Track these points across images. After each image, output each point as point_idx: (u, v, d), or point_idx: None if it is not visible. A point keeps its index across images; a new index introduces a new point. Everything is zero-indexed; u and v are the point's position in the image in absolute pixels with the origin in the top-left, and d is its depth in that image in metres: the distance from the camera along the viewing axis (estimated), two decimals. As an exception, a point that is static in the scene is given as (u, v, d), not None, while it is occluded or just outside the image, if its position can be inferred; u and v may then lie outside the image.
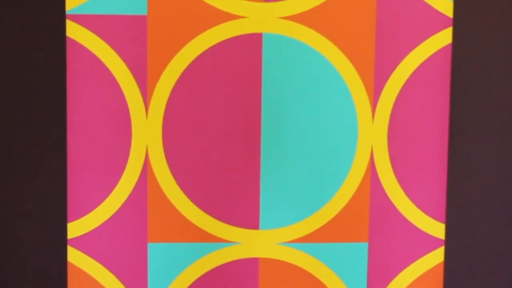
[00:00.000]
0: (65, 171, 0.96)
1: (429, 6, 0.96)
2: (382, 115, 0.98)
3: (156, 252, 0.98)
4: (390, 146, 0.98)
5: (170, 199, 0.98)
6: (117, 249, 0.98)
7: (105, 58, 0.95)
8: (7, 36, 0.93)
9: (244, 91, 0.96)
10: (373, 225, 0.99)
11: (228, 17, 0.95)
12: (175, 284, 0.99)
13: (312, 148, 0.98)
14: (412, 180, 0.99)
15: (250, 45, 0.96)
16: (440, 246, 1.00)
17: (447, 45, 0.97)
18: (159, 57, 0.95)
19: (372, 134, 0.98)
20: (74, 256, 0.98)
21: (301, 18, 0.96)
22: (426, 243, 1.00)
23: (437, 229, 1.00)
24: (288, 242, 0.99)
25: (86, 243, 0.98)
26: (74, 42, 0.95)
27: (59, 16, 0.93)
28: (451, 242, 1.00)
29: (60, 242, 0.97)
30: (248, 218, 0.98)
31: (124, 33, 0.95)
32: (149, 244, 0.98)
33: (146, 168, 0.97)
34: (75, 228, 0.98)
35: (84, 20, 0.94)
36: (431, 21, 0.96)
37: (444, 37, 0.97)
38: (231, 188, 0.98)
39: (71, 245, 0.98)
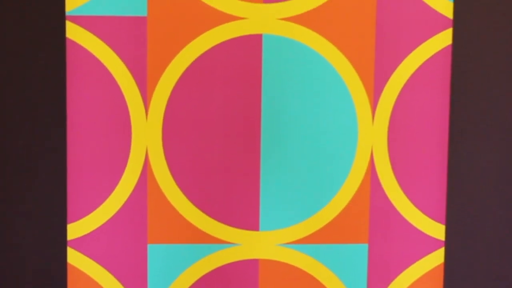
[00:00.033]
0: (65, 172, 0.96)
1: (429, 7, 0.96)
2: (382, 116, 0.98)
3: (156, 253, 0.98)
4: (390, 147, 0.98)
5: (170, 200, 0.98)
6: (117, 251, 0.98)
7: (105, 59, 0.95)
8: (7, 37, 0.93)
9: (244, 92, 0.96)
10: (373, 226, 0.99)
11: (228, 18, 0.95)
12: (175, 285, 0.99)
13: (312, 150, 0.98)
14: (412, 181, 0.99)
15: (250, 46, 0.96)
16: (440, 247, 1.00)
17: (447, 46, 0.97)
18: (159, 58, 0.95)
19: (372, 135, 0.98)
20: (74, 258, 0.98)
21: (301, 19, 0.96)
22: (426, 245, 1.00)
23: (437, 230, 1.00)
24: (288, 243, 0.99)
25: (86, 245, 0.98)
26: (74, 43, 0.95)
27: (59, 17, 0.93)
28: (451, 244, 1.00)
29: (60, 243, 0.97)
30: (248, 219, 0.98)
31: (124, 34, 0.95)
32: (149, 245, 0.98)
33: (146, 169, 0.97)
34: (75, 230, 0.98)
35: (84, 21, 0.94)
36: (431, 22, 0.96)
37: (444, 38, 0.97)
38: (231, 189, 0.98)
39: (71, 247, 0.98)
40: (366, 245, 1.00)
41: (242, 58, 0.96)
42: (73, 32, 0.94)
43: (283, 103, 0.97)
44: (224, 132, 0.97)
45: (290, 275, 1.00)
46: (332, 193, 0.98)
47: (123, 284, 0.98)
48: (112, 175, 0.97)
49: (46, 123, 0.95)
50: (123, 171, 0.97)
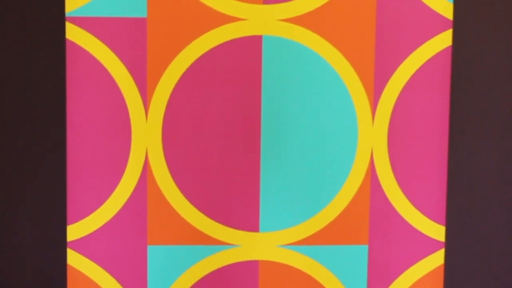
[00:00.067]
0: (65, 173, 0.96)
1: (429, 8, 0.96)
2: (382, 117, 0.98)
3: (156, 255, 0.98)
4: (390, 149, 0.98)
5: (170, 202, 0.98)
6: (116, 252, 0.98)
7: (104, 60, 0.95)
8: (7, 38, 0.93)
9: (244, 93, 0.96)
10: (373, 228, 0.99)
11: (228, 19, 0.95)
12: (175, 287, 0.99)
13: (312, 151, 0.97)
14: (412, 182, 0.99)
15: (250, 47, 0.96)
16: (440, 248, 1.00)
17: (447, 47, 0.97)
18: (158, 60, 0.95)
19: (372, 136, 0.98)
20: (73, 259, 0.98)
21: (301, 20, 0.96)
22: (426, 246, 1.00)
23: (437, 232, 1.00)
24: (288, 244, 0.99)
25: (85, 246, 0.98)
26: (73, 44, 0.95)
27: (58, 18, 0.93)
28: (451, 245, 1.00)
29: (59, 244, 0.97)
30: (248, 221, 0.98)
31: (124, 35, 0.95)
32: (148, 247, 0.98)
33: (146, 170, 0.97)
34: (74, 231, 0.97)
35: (83, 22, 0.94)
36: (431, 23, 0.96)
37: (444, 39, 0.97)
38: (231, 191, 0.98)
39: (70, 248, 0.98)
40: (366, 246, 1.00)
41: (242, 59, 0.96)
42: (73, 33, 0.94)
43: (283, 104, 0.97)
44: (224, 133, 0.97)
45: (290, 276, 1.00)
46: (332, 194, 0.98)
47: (123, 285, 0.98)
48: (112, 176, 0.97)
49: (46, 125, 0.95)
50: (123, 172, 0.97)
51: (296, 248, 0.99)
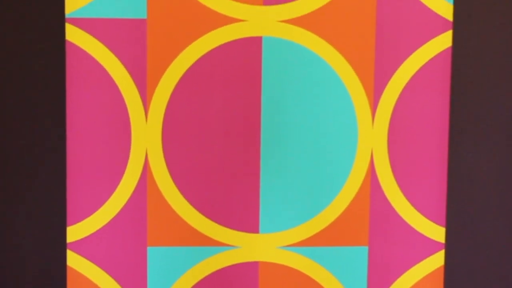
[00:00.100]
0: (65, 174, 0.95)
1: (429, 9, 0.96)
2: (382, 118, 0.98)
3: (156, 256, 0.98)
4: (390, 150, 0.98)
5: (169, 203, 0.98)
6: (116, 253, 0.98)
7: (104, 61, 0.95)
8: (7, 39, 0.93)
9: (244, 94, 0.96)
10: (373, 229, 0.99)
11: (227, 20, 0.95)
12: (174, 288, 0.99)
13: (312, 152, 0.97)
14: (412, 183, 0.99)
15: (250, 48, 0.96)
16: (440, 249, 1.00)
17: (447, 48, 0.97)
18: (158, 61, 0.95)
19: (372, 137, 0.98)
20: (73, 260, 0.98)
21: (301, 22, 0.96)
22: (426, 247, 1.00)
23: (437, 233, 1.00)
24: (288, 246, 0.99)
25: (85, 247, 0.98)
26: (73, 45, 0.95)
27: (58, 19, 0.93)
28: (451, 246, 1.00)
29: (59, 246, 0.97)
30: (248, 222, 0.98)
31: (124, 36, 0.95)
32: (148, 248, 0.98)
33: (146, 171, 0.97)
34: (74, 232, 0.97)
35: (83, 24, 0.94)
36: (431, 24, 0.96)
37: (444, 40, 0.97)
38: (231, 192, 0.98)
39: (70, 249, 0.98)
40: (366, 248, 1.00)
41: (242, 61, 0.96)
42: (73, 34, 0.94)
43: (283, 106, 0.97)
44: (224, 135, 0.97)
45: (290, 277, 1.00)
46: (332, 195, 0.98)
47: (123, 286, 0.98)
48: (111, 178, 0.97)
49: (46, 126, 0.94)
50: (122, 173, 0.97)
51: (296, 249, 0.99)
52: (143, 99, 0.96)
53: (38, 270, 0.97)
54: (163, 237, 0.98)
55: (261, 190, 0.98)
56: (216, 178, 0.97)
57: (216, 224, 0.98)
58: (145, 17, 0.95)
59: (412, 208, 0.99)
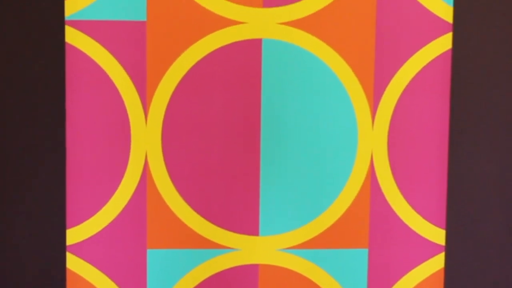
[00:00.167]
0: (64, 177, 0.95)
1: (429, 11, 0.96)
2: (382, 121, 0.98)
3: (155, 259, 0.98)
4: (390, 152, 0.98)
5: (169, 205, 0.97)
6: (116, 256, 0.98)
7: (104, 64, 0.95)
8: (7, 41, 0.93)
9: (243, 96, 0.96)
10: (373, 231, 0.99)
11: (227, 22, 0.95)
12: (174, 291, 0.99)
13: (312, 154, 0.97)
14: (412, 186, 0.99)
15: (249, 50, 0.96)
16: (440, 252, 1.00)
17: (447, 51, 0.97)
18: (158, 63, 0.95)
19: (372, 140, 0.98)
20: (73, 263, 0.98)
21: (301, 24, 0.96)
22: (426, 249, 1.00)
23: (437, 235, 1.00)
24: (288, 248, 0.99)
25: (85, 250, 0.97)
26: (73, 48, 0.95)
27: (58, 21, 0.93)
28: (451, 248, 1.00)
29: (59, 248, 0.97)
30: (247, 224, 0.98)
31: (124, 39, 0.95)
32: (148, 251, 0.98)
33: (146, 174, 0.97)
34: (74, 235, 0.97)
35: (83, 26, 0.94)
36: (431, 27, 0.96)
37: (444, 43, 0.97)
38: (230, 194, 0.98)
39: (70, 252, 0.98)
40: (366, 250, 0.99)
41: (242, 63, 0.96)
42: (73, 37, 0.94)
43: (283, 108, 0.97)
44: (224, 137, 0.97)
45: (290, 280, 0.99)
46: (332, 198, 0.98)
47: (122, 289, 0.98)
48: (111, 180, 0.96)
49: (45, 128, 0.94)
50: (122, 176, 0.96)
51: (296, 252, 0.99)
52: (142, 101, 0.96)
53: (38, 273, 0.97)
54: (163, 240, 0.98)
55: (261, 192, 0.98)
56: (216, 181, 0.97)
57: (216, 227, 0.98)
58: (144, 19, 0.95)
59: (412, 210, 0.99)
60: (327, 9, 0.96)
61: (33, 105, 0.94)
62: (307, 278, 1.00)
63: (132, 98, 0.96)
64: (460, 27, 0.96)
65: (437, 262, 1.00)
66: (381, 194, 0.99)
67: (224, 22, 0.95)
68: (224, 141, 0.97)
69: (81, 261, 0.98)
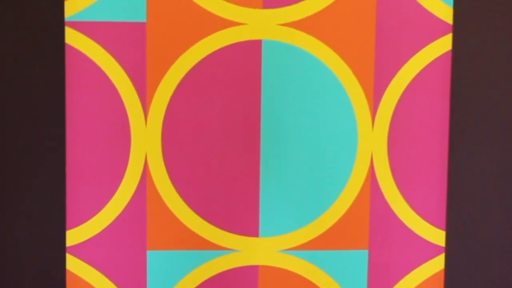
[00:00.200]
0: (64, 178, 0.95)
1: (429, 12, 0.96)
2: (382, 122, 0.98)
3: (155, 260, 0.98)
4: (390, 153, 0.98)
5: (169, 207, 0.97)
6: (116, 257, 0.98)
7: (104, 65, 0.95)
8: (6, 42, 0.93)
9: (243, 98, 0.96)
10: (373, 232, 0.99)
11: (227, 23, 0.95)
12: (174, 292, 0.99)
13: (312, 155, 0.97)
14: (412, 187, 0.99)
15: (249, 52, 0.96)
16: (440, 253, 1.00)
17: (447, 52, 0.97)
18: (158, 64, 0.95)
19: (372, 141, 0.98)
20: (73, 264, 0.98)
21: (301, 25, 0.96)
22: (426, 250, 1.00)
23: (437, 236, 1.00)
24: (288, 249, 0.99)
25: (85, 251, 0.97)
26: (73, 49, 0.95)
27: (58, 22, 0.93)
28: (451, 249, 1.00)
29: (58, 249, 0.96)
30: (247, 226, 0.98)
31: (123, 40, 0.95)
32: (148, 252, 0.98)
33: (145, 175, 0.97)
34: (73, 236, 0.97)
35: (83, 27, 0.94)
36: (431, 28, 0.96)
37: (444, 44, 0.97)
38: (230, 196, 0.98)
39: (69, 253, 0.98)
40: (366, 251, 0.99)
41: (242, 64, 0.96)
42: (72, 38, 0.94)
43: (283, 109, 0.97)
44: (224, 138, 0.97)
45: (290, 281, 0.99)
46: (332, 199, 0.98)
47: (122, 290, 0.98)
48: (111, 181, 0.96)
49: (45, 130, 0.94)
50: (122, 177, 0.96)
51: (296, 253, 0.99)
52: (142, 102, 0.96)
53: (38, 274, 0.97)
54: (163, 241, 0.98)
55: (261, 193, 0.98)
56: (215, 182, 0.97)
57: (216, 228, 0.98)
58: (144, 20, 0.95)
59: (412, 211, 0.99)
60: (327, 10, 0.96)
61: (33, 106, 0.94)
62: (307, 280, 1.00)
63: (132, 99, 0.96)
64: (460, 28, 0.96)
65: (437, 263, 1.00)
66: (381, 195, 0.99)
67: (224, 23, 0.95)
68: (224, 142, 0.97)
69: (81, 262, 0.98)
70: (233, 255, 0.99)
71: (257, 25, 0.95)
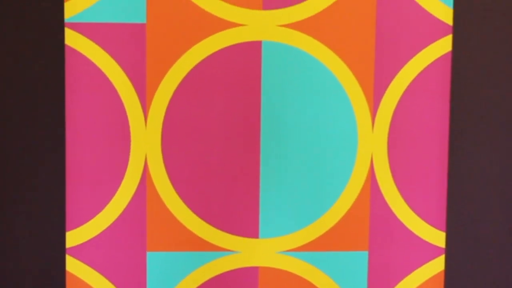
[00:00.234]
0: (64, 180, 0.95)
1: (429, 13, 0.96)
2: (382, 123, 0.98)
3: (155, 261, 0.98)
4: (390, 154, 0.98)
5: (169, 208, 0.97)
6: (116, 258, 0.98)
7: (104, 66, 0.95)
8: (6, 43, 0.93)
9: (243, 99, 0.96)
10: (373, 234, 0.99)
11: (227, 25, 0.95)
12: (174, 293, 0.99)
13: (312, 156, 0.97)
14: (412, 188, 0.99)
15: (249, 53, 0.96)
16: (440, 254, 1.00)
17: (447, 53, 0.97)
18: (158, 65, 0.95)
19: (372, 142, 0.98)
20: (72, 266, 0.98)
21: (301, 26, 0.96)
22: (426, 252, 1.00)
23: (437, 238, 1.00)
24: (288, 250, 0.99)
25: (84, 252, 0.97)
26: (73, 50, 0.95)
27: (58, 24, 0.93)
28: (451, 251, 1.00)
29: (58, 251, 0.96)
30: (247, 227, 0.98)
31: (123, 41, 0.95)
32: (148, 253, 0.98)
33: (145, 176, 0.97)
34: (73, 237, 0.97)
35: (83, 28, 0.94)
36: (431, 29, 0.96)
37: (444, 45, 0.97)
38: (230, 197, 0.98)
39: (69, 254, 0.98)
40: (366, 253, 0.99)
41: (242, 65, 0.96)
42: (72, 39, 0.94)
43: (283, 110, 0.97)
44: (224, 139, 0.97)
45: (290, 282, 0.99)
46: (332, 200, 0.98)
47: (122, 292, 0.98)
48: (111, 182, 0.96)
49: (44, 132, 0.94)
50: (122, 178, 0.96)
51: (296, 254, 0.99)
52: (142, 104, 0.96)
53: (38, 276, 0.97)
54: (163, 242, 0.98)
55: (261, 195, 0.98)
56: (215, 183, 0.97)
57: (216, 229, 0.98)
58: (144, 21, 0.95)
59: (412, 212, 0.99)
60: (327, 11, 0.96)
61: (33, 107, 0.94)
62: (307, 281, 1.00)
63: (131, 101, 0.96)
64: (460, 29, 0.96)
65: (437, 265, 1.00)
66: (381, 196, 0.99)
67: (224, 24, 0.95)
68: (224, 143, 0.97)
69: (81, 263, 0.98)
70: (233, 256, 0.99)
71: (257, 26, 0.95)
